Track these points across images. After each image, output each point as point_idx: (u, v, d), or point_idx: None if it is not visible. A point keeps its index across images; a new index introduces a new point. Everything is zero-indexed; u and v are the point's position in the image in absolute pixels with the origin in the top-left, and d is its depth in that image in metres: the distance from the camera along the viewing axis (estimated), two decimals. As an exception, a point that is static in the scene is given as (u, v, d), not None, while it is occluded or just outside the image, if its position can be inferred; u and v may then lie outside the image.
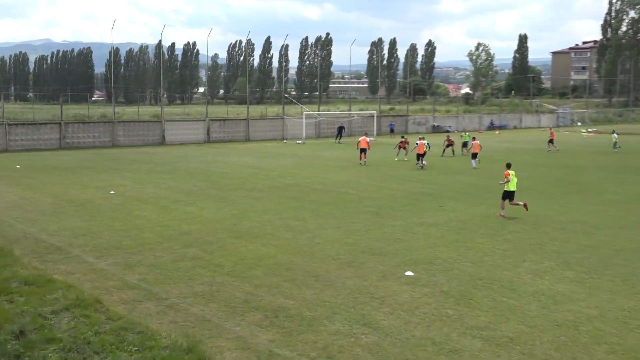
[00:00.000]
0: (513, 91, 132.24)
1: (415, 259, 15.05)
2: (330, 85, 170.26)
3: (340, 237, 17.34)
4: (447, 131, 70.45)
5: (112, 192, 25.69)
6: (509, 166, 22.28)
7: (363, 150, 37.93)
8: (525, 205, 21.29)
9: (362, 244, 16.59)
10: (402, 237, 17.40)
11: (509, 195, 21.25)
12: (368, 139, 39.45)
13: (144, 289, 12.63)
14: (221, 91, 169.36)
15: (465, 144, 44.60)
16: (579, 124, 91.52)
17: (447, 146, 44.26)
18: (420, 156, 36.07)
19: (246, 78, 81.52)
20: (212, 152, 46.21)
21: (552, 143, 47.95)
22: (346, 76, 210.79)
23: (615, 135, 49.22)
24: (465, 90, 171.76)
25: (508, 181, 21.24)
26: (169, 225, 18.84)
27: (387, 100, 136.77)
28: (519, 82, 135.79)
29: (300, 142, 56.82)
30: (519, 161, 39.88)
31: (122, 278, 13.37)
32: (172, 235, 17.47)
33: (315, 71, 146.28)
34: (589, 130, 78.36)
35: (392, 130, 66.52)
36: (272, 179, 30.22)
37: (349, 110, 74.16)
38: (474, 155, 36.72)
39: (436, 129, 76.02)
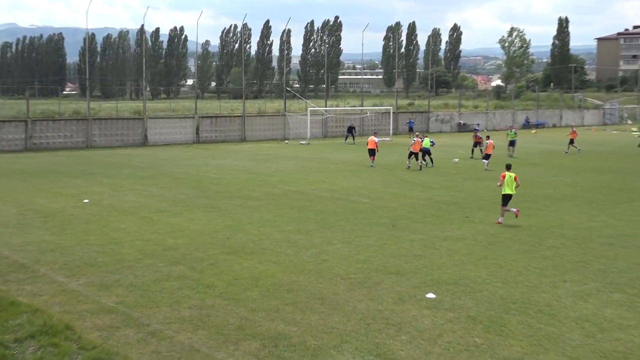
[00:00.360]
0: (552, 84, 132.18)
1: (437, 279, 15.01)
2: (340, 77, 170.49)
3: (350, 254, 17.32)
4: (475, 130, 70.54)
5: (85, 200, 25.75)
6: (508, 167, 22.79)
7: (371, 152, 39.12)
8: (516, 213, 21.89)
9: (376, 261, 16.57)
10: (423, 254, 17.37)
11: (506, 199, 21.90)
12: (376, 139, 40.33)
13: (122, 313, 12.63)
14: (213, 84, 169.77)
15: (512, 143, 45.19)
16: (629, 121, 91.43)
17: (475, 145, 44.40)
18: (412, 155, 37.71)
19: (242, 68, 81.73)
20: (202, 155, 46.29)
21: (573, 144, 48.05)
22: (358, 66, 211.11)
23: None
24: (496, 82, 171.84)
25: (502, 185, 21.98)
26: (151, 239, 18.86)
27: (406, 94, 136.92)
28: (558, 73, 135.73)
29: (304, 142, 56.89)
30: (558, 165, 39.84)
31: (97, 300, 13.37)
32: (155, 251, 17.49)
33: (322, 60, 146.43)
34: (641, 129, 78.19)
35: (410, 129, 66.44)
36: (271, 186, 30.25)
37: (361, 105, 74.19)
38: (487, 156, 38.02)
39: (462, 128, 75.99)
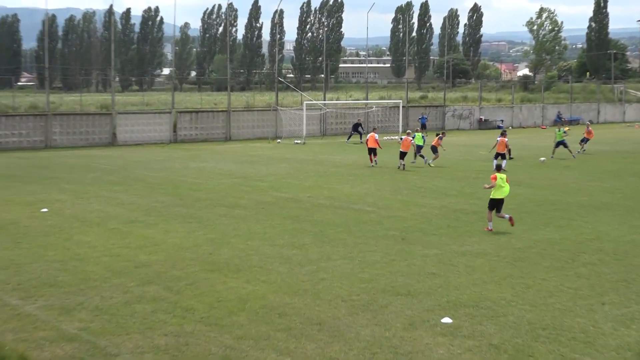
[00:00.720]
0: (588, 73, 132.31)
1: (455, 301, 15.01)
2: (341, 66, 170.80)
3: (352, 271, 17.32)
4: (499, 127, 70.65)
5: (44, 209, 25.73)
6: (498, 168, 23.44)
7: (372, 150, 40.44)
8: (510, 220, 22.32)
9: (383, 280, 16.57)
10: (438, 272, 17.37)
11: (495, 205, 22.36)
12: (377, 136, 41.45)
13: (86, 341, 12.61)
14: (193, 73, 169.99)
15: (562, 144, 45.32)
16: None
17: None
18: (403, 155, 38.98)
19: (227, 56, 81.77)
20: (180, 156, 46.31)
21: (586, 143, 48.15)
22: (362, 53, 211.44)
23: None
24: (523, 72, 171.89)
25: (493, 186, 22.40)
26: (121, 255, 18.85)
27: (418, 86, 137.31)
28: (595, 61, 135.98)
29: (299, 141, 56.97)
30: (595, 168, 39.89)
31: (57, 327, 13.35)
32: (125, 269, 17.48)
33: (320, 46, 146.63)
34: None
35: (423, 126, 66.66)
36: (261, 192, 30.26)
37: (366, 99, 74.37)
38: (498, 156, 38.83)
39: (483, 124, 76.12)
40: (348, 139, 58.12)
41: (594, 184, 33.43)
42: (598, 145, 51.74)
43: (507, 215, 22.50)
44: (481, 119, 76.73)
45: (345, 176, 35.97)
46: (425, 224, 23.53)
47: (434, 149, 41.02)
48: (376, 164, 40.18)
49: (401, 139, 41.21)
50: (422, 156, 40.87)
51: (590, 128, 50.16)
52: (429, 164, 39.68)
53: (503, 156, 39.18)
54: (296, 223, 23.43)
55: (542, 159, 42.81)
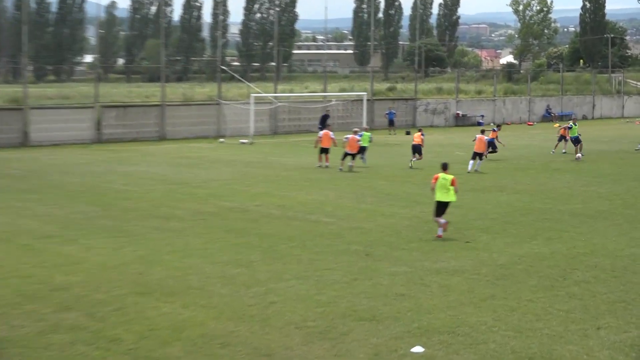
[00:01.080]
0: (582, 61, 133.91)
1: (427, 327, 15.08)
2: (295, 53, 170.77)
3: (308, 293, 17.32)
4: (479, 124, 71.13)
5: (-58, 222, 25.43)
6: (444, 167, 23.94)
7: (324, 150, 41.35)
8: (444, 226, 23.17)
9: (344, 303, 16.59)
10: (407, 292, 17.42)
11: (439, 208, 23.25)
12: (332, 134, 42.20)
13: (-9, 378, 12.46)
14: (120, 61, 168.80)
15: (576, 141, 46.29)
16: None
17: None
18: (347, 155, 40.00)
19: (161, 40, 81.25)
20: (105, 158, 45.97)
21: (566, 141, 48.90)
22: (320, 38, 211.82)
23: None
24: (507, 59, 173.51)
25: (433, 188, 23.34)
26: (34, 276, 18.65)
27: (385, 76, 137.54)
28: (590, 47, 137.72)
29: (245, 141, 56.85)
30: (590, 171, 40.32)
31: (-43, 362, 13.18)
32: (38, 292, 17.30)
33: (270, 30, 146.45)
34: None
35: (391, 123, 66.97)
36: (200, 201, 30.18)
37: (324, 91, 74.46)
38: (476, 156, 39.69)
39: (461, 120, 76.56)
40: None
41: (588, 189, 33.82)
42: (594, 145, 52.35)
43: (442, 220, 23.13)
44: (458, 114, 77.18)
45: (299, 181, 35.99)
46: (393, 237, 23.61)
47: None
48: (327, 167, 40.82)
49: (346, 138, 41.76)
50: (362, 158, 41.60)
51: (568, 125, 50.38)
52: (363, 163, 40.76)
53: (480, 156, 39.63)
54: (242, 237, 23.38)
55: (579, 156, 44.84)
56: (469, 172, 38.71)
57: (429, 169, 38.88)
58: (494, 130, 46.05)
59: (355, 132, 41.50)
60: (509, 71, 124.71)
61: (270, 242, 22.58)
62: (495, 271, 19.44)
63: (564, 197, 31.55)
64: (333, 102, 67.78)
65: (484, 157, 40.55)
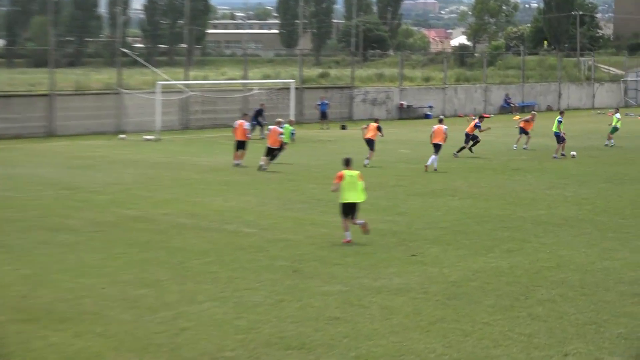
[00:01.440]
0: (546, 42, 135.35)
1: (367, 356, 15.12)
2: (210, 32, 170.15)
3: (226, 318, 17.26)
4: (427, 116, 71.67)
5: None
6: (347, 163, 24.28)
7: (240, 144, 41.92)
8: (364, 226, 23.89)
9: (267, 328, 16.58)
10: (343, 316, 17.44)
11: (348, 210, 23.77)
12: (247, 125, 42.87)
13: None
14: (0, 42, 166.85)
15: (559, 138, 46.99)
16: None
17: (473, 137, 46.16)
18: (271, 151, 40.65)
19: (49, 17, 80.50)
20: (-19, 159, 45.38)
21: (527, 135, 49.88)
22: (239, 15, 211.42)
23: None
24: (459, 40, 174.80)
25: (336, 189, 23.90)
26: None
27: (316, 60, 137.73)
28: (556, 26, 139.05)
29: (151, 137, 56.48)
30: (556, 171, 40.73)
31: None
32: None
33: (180, 5, 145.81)
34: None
35: (324, 115, 66.92)
36: (97, 209, 29.93)
37: (245, 78, 74.21)
38: (437, 149, 40.49)
39: (406, 112, 76.86)
40: (261, 132, 57.49)
41: (554, 193, 34.16)
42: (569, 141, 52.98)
43: (360, 221, 23.67)
44: (402, 104, 77.40)
45: (215, 185, 35.87)
46: (325, 250, 23.61)
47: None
48: (237, 164, 41.53)
49: (268, 130, 42.02)
50: (275, 155, 41.99)
51: (530, 117, 50.98)
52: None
53: (438, 149, 40.03)
54: (147, 251, 23.23)
55: (573, 153, 45.30)
56: (426, 166, 39.63)
57: (367, 170, 39.03)
58: (474, 122, 47.03)
59: (279, 124, 41.59)
60: (462, 55, 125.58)
61: (181, 258, 22.45)
62: (445, 289, 19.52)
63: (525, 202, 31.80)
64: (255, 91, 67.56)
65: (462, 150, 41.53)
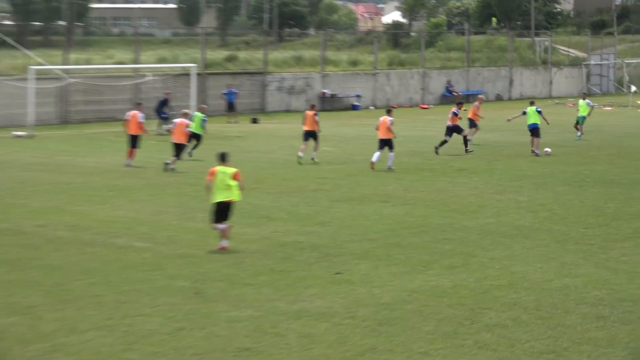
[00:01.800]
0: (495, 20, 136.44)
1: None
2: (94, 7, 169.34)
3: (113, 350, 17.15)
4: (355, 107, 71.89)
5: None
6: (222, 158, 25.16)
7: (134, 140, 42.18)
8: (226, 231, 24.79)
9: (163, 365, 16.52)
10: (255, 346, 17.42)
11: (221, 212, 24.69)
12: (141, 116, 42.87)
13: None
14: None
15: (534, 131, 47.70)
16: (634, 88, 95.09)
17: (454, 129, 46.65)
18: (177, 148, 40.95)
19: None
20: None
21: (476, 128, 50.66)
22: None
23: None
24: (393, 16, 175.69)
25: (209, 187, 24.76)
26: None
27: (222, 41, 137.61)
28: (506, 1, 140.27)
29: (22, 133, 56.08)
30: (506, 172, 41.08)
31: None
32: None
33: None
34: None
35: (231, 106, 66.88)
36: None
37: (135, 62, 73.92)
38: (384, 145, 41.18)
39: (329, 103, 76.97)
40: (160, 127, 57.22)
41: (504, 198, 34.44)
42: (510, 136, 53.43)
43: (221, 226, 24.48)
44: (325, 93, 77.45)
45: (102, 190, 35.68)
46: (233, 267, 23.59)
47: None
48: (132, 165, 41.74)
49: (173, 123, 42.00)
50: (191, 151, 42.96)
51: (478, 103, 51.53)
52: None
53: (390, 146, 40.37)
54: (16, 271, 23.01)
55: (547, 150, 45.99)
56: (372, 163, 40.49)
57: (284, 173, 39.03)
58: (455, 114, 47.24)
59: (186, 115, 41.67)
60: (395, 34, 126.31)
61: (59, 278, 22.28)
62: (376, 313, 19.55)
63: (470, 209, 32.02)
64: (148, 78, 67.31)
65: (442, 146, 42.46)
